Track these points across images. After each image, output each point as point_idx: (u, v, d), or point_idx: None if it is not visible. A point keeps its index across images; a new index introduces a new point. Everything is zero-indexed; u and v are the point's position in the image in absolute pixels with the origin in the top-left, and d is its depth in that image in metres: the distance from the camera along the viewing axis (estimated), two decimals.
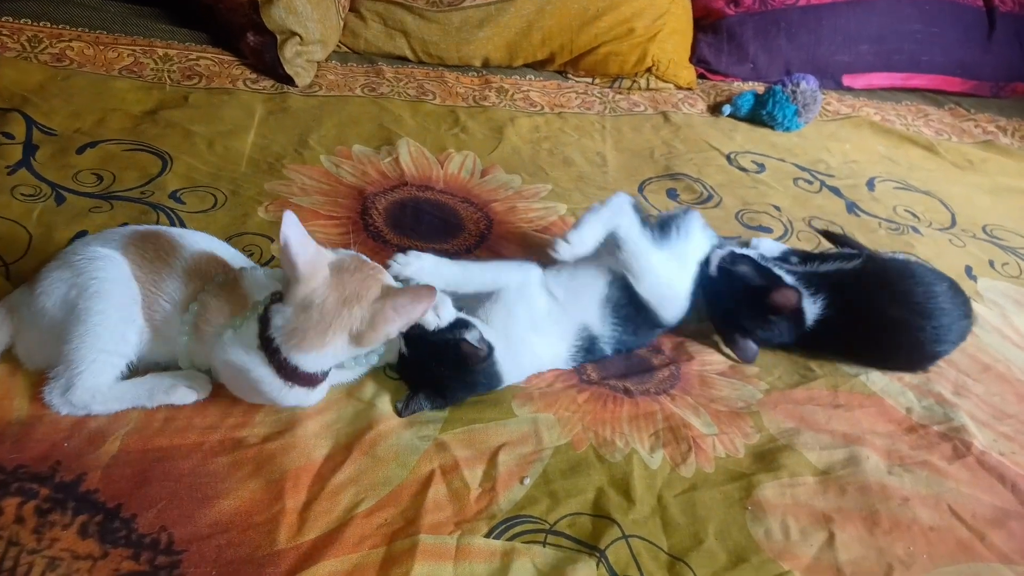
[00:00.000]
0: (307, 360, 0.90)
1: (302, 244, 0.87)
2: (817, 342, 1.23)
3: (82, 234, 1.16)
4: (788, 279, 1.23)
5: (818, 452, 1.07)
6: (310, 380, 0.92)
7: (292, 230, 0.86)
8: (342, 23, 1.94)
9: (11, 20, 1.69)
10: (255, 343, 0.90)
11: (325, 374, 0.94)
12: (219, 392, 0.98)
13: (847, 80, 2.38)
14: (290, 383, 0.91)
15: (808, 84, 2.05)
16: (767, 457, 1.05)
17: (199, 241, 1.01)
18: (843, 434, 1.11)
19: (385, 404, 1.01)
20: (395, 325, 0.91)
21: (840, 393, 1.19)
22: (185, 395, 0.94)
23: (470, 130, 1.75)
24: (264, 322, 0.90)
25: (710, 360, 1.22)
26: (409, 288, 0.94)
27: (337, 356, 0.92)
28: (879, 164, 2.00)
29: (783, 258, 1.34)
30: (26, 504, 0.81)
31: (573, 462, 0.99)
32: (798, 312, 1.19)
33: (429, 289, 0.92)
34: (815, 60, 2.30)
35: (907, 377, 1.25)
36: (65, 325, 0.90)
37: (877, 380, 1.23)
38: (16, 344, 0.96)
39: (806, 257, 1.36)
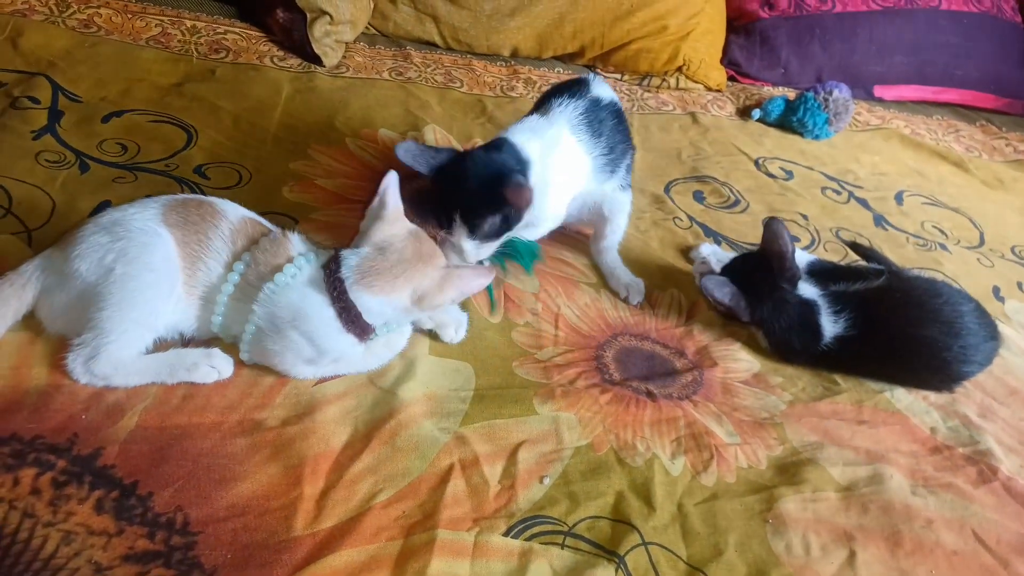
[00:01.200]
0: (372, 303, 0.93)
1: (397, 194, 1.00)
2: (844, 359, 1.21)
3: (106, 204, 1.14)
4: (815, 292, 1.24)
5: (841, 468, 1.05)
6: (363, 329, 0.95)
7: (394, 179, 1.01)
8: (372, 5, 1.92)
9: None
10: (317, 286, 0.93)
11: (373, 331, 0.97)
12: (239, 372, 0.96)
13: (878, 91, 2.35)
14: (346, 327, 0.93)
15: (841, 92, 2.02)
16: (790, 470, 1.03)
17: (237, 208, 1.01)
18: (867, 451, 1.09)
19: (406, 392, 0.99)
20: (456, 292, 0.97)
21: (865, 408, 1.17)
22: (206, 374, 0.92)
23: (497, 120, 1.73)
24: (332, 267, 0.94)
25: (734, 368, 1.20)
26: (474, 266, 1.02)
27: (395, 310, 0.96)
28: (908, 177, 1.97)
29: (810, 270, 1.32)
30: (42, 476, 0.80)
31: (593, 464, 0.98)
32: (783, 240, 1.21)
33: (490, 268, 0.99)
34: (847, 69, 2.27)
35: (932, 396, 1.23)
36: (98, 290, 0.88)
37: (902, 398, 1.21)
38: (39, 306, 0.93)
39: (833, 270, 1.34)
